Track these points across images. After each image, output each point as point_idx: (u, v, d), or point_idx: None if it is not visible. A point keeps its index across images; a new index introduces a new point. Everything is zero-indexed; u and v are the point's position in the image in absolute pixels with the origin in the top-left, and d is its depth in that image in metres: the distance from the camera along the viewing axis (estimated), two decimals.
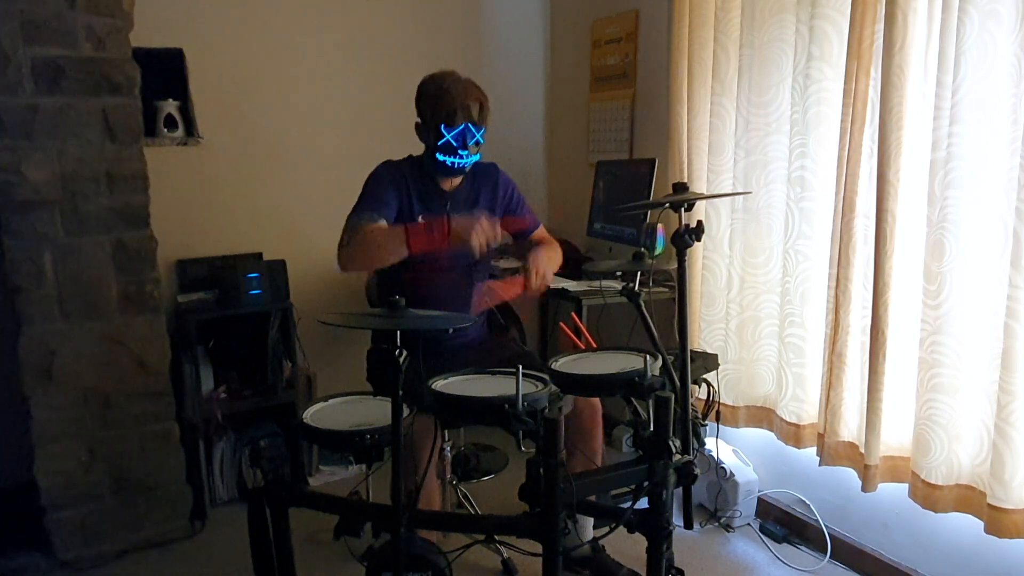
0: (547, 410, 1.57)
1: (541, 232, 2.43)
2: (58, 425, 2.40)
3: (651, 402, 1.70)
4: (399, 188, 2.19)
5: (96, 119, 2.36)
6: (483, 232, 1.94)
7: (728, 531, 2.64)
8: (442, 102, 2.10)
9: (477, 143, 2.15)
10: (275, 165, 3.22)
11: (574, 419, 2.13)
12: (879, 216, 2.06)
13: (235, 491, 2.93)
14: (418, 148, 2.25)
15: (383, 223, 2.10)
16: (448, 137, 2.10)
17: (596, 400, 2.21)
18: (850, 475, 2.28)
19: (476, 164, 2.27)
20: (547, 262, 2.18)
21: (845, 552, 2.42)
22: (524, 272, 2.12)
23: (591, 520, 2.28)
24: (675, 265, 1.91)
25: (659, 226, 2.80)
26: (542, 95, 3.85)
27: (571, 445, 2.08)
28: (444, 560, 1.58)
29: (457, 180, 2.27)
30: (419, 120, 2.19)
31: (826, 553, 2.43)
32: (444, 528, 2.06)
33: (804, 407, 2.43)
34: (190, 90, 2.97)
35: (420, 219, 2.19)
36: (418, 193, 2.21)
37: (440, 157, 2.14)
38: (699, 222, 1.89)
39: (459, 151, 2.12)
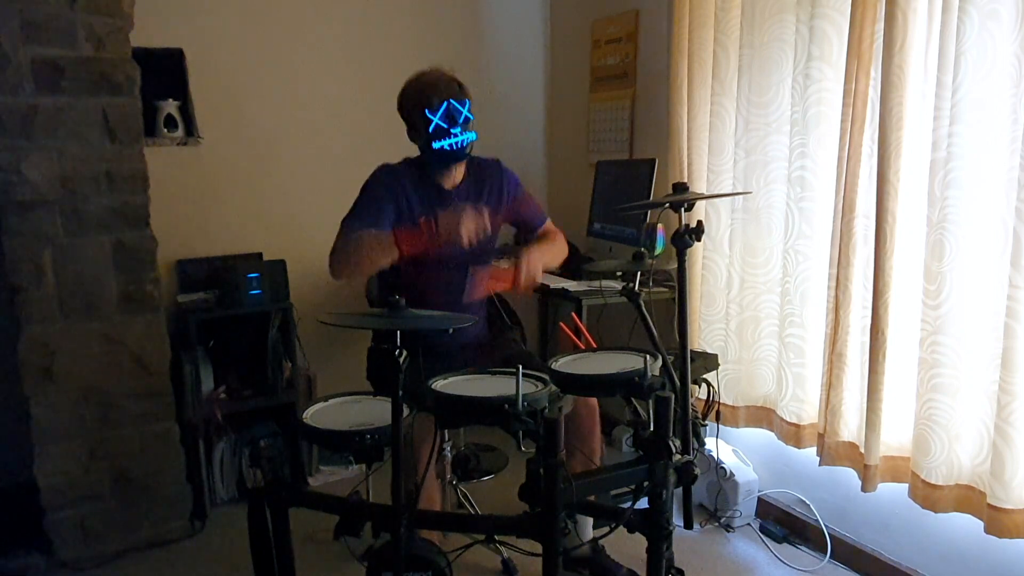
0: (547, 410, 1.57)
1: (548, 226, 2.40)
2: (58, 425, 2.40)
3: (651, 402, 1.70)
4: (395, 193, 2.17)
5: (96, 119, 2.36)
6: (470, 222, 1.93)
7: (728, 531, 2.64)
8: (417, 91, 2.10)
9: (467, 119, 2.11)
10: (275, 165, 3.22)
11: (572, 422, 2.13)
12: (879, 216, 2.06)
13: (235, 491, 2.93)
14: (416, 149, 2.24)
15: (374, 232, 2.09)
16: (436, 120, 2.07)
17: (593, 401, 2.21)
18: (850, 475, 2.28)
19: (477, 160, 2.26)
20: (539, 259, 2.15)
21: (845, 552, 2.42)
22: (515, 267, 2.11)
23: (591, 520, 2.28)
24: (675, 265, 1.92)
25: (659, 226, 2.80)
26: (542, 95, 3.85)
27: (570, 447, 2.08)
28: (444, 560, 1.58)
29: (458, 176, 2.24)
30: (408, 127, 2.18)
31: (826, 553, 2.43)
32: (444, 528, 2.06)
33: (804, 407, 2.43)
34: (190, 90, 2.97)
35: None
36: (418, 195, 2.19)
37: (436, 145, 2.10)
38: (699, 222, 1.90)
39: (451, 130, 2.08)
